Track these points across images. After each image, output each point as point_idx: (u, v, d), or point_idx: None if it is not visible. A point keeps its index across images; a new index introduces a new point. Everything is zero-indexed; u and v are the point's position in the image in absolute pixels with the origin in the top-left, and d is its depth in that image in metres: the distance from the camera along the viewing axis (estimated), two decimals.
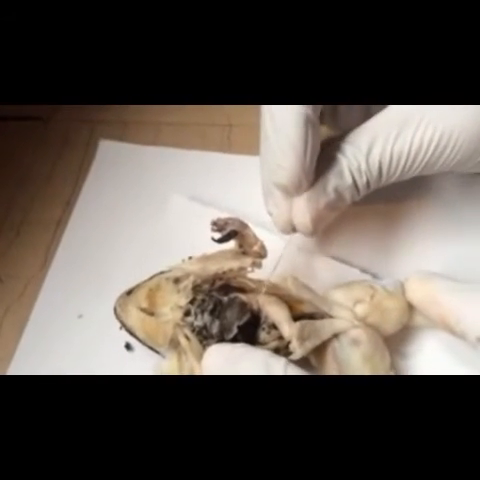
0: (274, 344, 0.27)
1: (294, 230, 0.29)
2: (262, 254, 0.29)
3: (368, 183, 0.28)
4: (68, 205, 0.41)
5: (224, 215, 0.29)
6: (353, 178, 0.28)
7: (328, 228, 0.33)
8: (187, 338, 0.27)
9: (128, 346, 0.33)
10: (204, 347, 0.26)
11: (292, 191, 0.27)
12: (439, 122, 0.26)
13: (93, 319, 0.34)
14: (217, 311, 0.26)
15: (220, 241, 0.27)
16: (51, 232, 0.39)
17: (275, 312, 0.27)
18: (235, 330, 0.26)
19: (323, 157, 0.28)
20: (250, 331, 0.26)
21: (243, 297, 0.27)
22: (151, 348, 0.29)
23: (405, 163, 0.27)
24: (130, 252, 0.36)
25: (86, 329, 0.34)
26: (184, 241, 0.35)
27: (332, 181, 0.27)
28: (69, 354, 0.33)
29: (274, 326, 0.27)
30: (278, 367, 0.22)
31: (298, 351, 0.26)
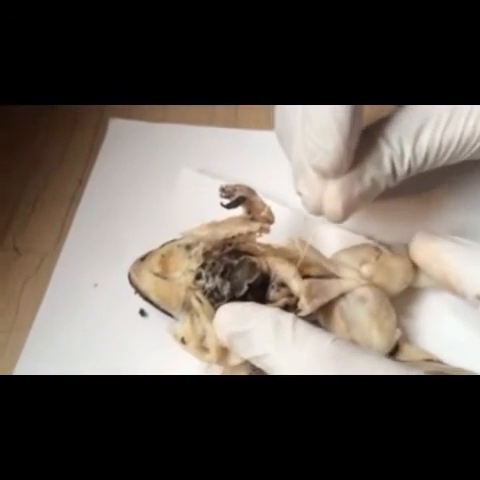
0: (283, 301, 0.28)
1: (321, 213, 0.28)
2: (270, 219, 0.30)
3: (409, 171, 0.26)
4: (81, 183, 0.42)
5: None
6: (393, 167, 0.26)
7: None
8: (199, 301, 0.28)
9: (142, 312, 0.34)
10: (215, 309, 0.27)
11: (331, 175, 0.25)
12: None
13: (108, 287, 0.35)
14: (227, 273, 0.27)
15: (228, 207, 0.29)
16: (65, 208, 0.41)
17: (284, 270, 0.28)
18: (245, 287, 0.27)
19: (363, 141, 0.25)
20: (260, 289, 0.28)
21: (253, 258, 0.28)
22: (164, 311, 0.30)
23: (455, 150, 0.25)
24: (141, 224, 0.38)
25: (102, 297, 0.35)
26: (194, 212, 0.35)
27: (370, 170, 0.25)
28: (86, 322, 0.34)
29: (283, 284, 0.28)
30: (287, 323, 0.23)
31: (306, 308, 0.27)
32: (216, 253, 0.29)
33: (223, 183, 0.36)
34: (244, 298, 0.27)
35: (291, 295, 0.28)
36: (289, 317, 0.23)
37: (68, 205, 0.41)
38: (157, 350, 0.32)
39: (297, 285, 0.27)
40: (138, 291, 0.31)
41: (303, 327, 0.23)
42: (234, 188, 0.29)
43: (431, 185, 0.36)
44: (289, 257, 0.29)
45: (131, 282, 0.31)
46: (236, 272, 0.28)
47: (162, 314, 0.33)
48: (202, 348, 0.28)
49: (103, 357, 0.33)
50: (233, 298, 0.27)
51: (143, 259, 0.31)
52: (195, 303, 0.28)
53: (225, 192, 0.28)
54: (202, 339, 0.28)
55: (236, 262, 0.28)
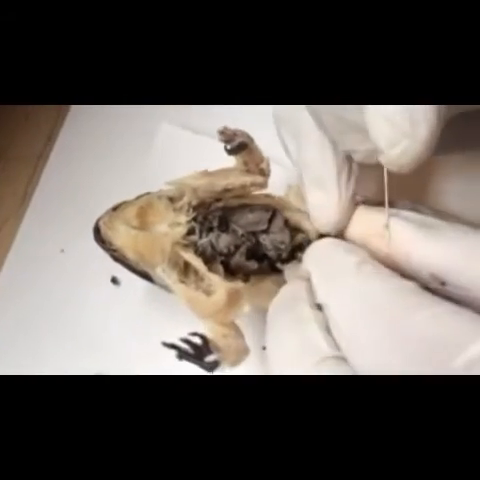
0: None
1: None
2: (267, 172, 0.26)
3: None
4: (49, 140, 0.38)
5: (218, 143, 0.26)
6: None
7: None
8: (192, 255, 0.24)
9: (114, 280, 0.30)
10: (209, 269, 0.23)
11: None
12: None
13: (76, 254, 0.32)
14: (224, 224, 0.24)
15: (231, 152, 0.25)
16: (31, 167, 0.37)
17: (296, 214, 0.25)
18: (265, 224, 0.24)
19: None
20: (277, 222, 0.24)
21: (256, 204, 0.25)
22: (140, 274, 0.26)
23: None
24: (115, 185, 0.34)
25: (69, 264, 0.32)
26: (174, 171, 0.32)
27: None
28: (52, 291, 0.31)
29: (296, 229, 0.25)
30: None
31: None
32: (203, 210, 0.25)
33: (207, 139, 0.32)
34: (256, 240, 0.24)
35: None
36: (354, 258, 0.20)
37: (34, 164, 0.37)
38: (130, 320, 0.29)
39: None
40: (109, 249, 0.25)
41: (367, 271, 0.19)
42: (234, 132, 0.25)
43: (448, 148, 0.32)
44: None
45: (100, 238, 0.25)
46: (238, 218, 0.24)
47: (136, 282, 0.29)
48: (206, 291, 0.23)
49: (71, 330, 0.30)
50: (229, 256, 0.24)
51: (115, 210, 0.26)
52: (188, 256, 0.24)
53: (225, 135, 0.24)
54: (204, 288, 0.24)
55: (237, 209, 0.25)
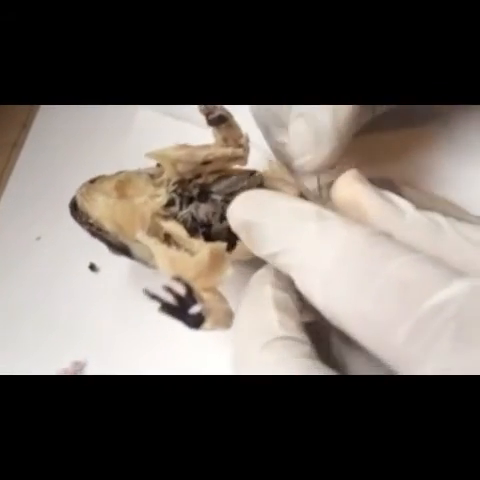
0: None
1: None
2: (246, 148, 0.26)
3: None
4: (25, 127, 0.37)
5: (198, 129, 0.26)
6: None
7: None
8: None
9: (92, 267, 0.30)
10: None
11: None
12: None
13: (52, 241, 0.31)
14: (203, 194, 0.23)
15: (212, 123, 0.24)
16: (6, 155, 0.36)
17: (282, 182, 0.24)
18: (244, 182, 0.23)
19: None
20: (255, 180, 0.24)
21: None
22: (120, 248, 0.25)
23: None
24: (92, 172, 0.33)
25: (46, 251, 0.31)
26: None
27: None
28: (28, 279, 0.30)
29: None
30: (310, 212, 0.18)
31: None
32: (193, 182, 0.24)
33: (187, 125, 0.32)
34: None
35: None
36: (313, 207, 0.18)
37: (9, 152, 0.36)
38: (110, 307, 0.28)
39: None
40: (87, 222, 0.24)
41: (331, 218, 0.18)
42: (214, 106, 0.25)
43: (424, 121, 0.31)
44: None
45: (77, 209, 0.24)
46: (216, 186, 0.24)
47: (114, 269, 0.29)
48: (189, 251, 0.22)
49: (49, 317, 0.29)
50: (209, 226, 0.23)
51: (93, 182, 0.25)
52: (168, 225, 0.23)
53: (205, 109, 0.24)
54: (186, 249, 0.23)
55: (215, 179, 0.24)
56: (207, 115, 0.23)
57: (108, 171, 0.30)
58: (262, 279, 0.20)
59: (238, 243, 0.23)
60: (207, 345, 0.25)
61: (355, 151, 0.29)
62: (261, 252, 0.19)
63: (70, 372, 0.27)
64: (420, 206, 0.25)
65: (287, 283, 0.19)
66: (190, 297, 0.20)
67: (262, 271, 0.20)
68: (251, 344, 0.17)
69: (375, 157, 0.29)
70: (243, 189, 0.23)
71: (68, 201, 0.29)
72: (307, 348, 0.17)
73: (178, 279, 0.20)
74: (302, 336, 0.17)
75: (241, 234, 0.19)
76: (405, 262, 0.15)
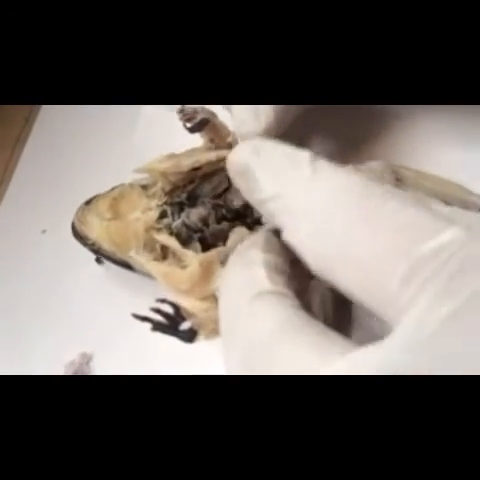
0: None
1: None
2: (235, 146, 0.26)
3: None
4: (27, 121, 0.37)
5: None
6: None
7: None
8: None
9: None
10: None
11: None
12: None
13: (58, 234, 0.31)
14: (192, 199, 0.24)
15: (192, 130, 0.24)
16: (10, 149, 0.36)
17: None
18: (226, 183, 0.23)
19: None
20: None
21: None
22: (121, 264, 0.26)
23: None
24: (97, 166, 0.34)
25: (51, 245, 0.31)
26: (155, 153, 0.32)
27: None
28: (33, 273, 0.31)
29: None
30: (304, 157, 0.17)
31: None
32: (178, 192, 0.25)
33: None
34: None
35: None
36: (307, 152, 0.17)
37: (12, 146, 0.36)
38: (116, 299, 0.28)
39: None
40: (86, 244, 0.26)
41: (324, 163, 0.17)
42: (195, 110, 0.25)
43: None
44: None
45: (76, 233, 0.26)
46: (202, 188, 0.24)
47: None
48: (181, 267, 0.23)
49: (55, 311, 0.29)
50: (202, 231, 0.23)
51: (88, 203, 0.27)
52: (161, 237, 0.24)
53: (185, 114, 0.24)
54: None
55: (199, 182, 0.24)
56: (186, 122, 0.23)
57: (113, 165, 0.30)
58: (251, 243, 0.19)
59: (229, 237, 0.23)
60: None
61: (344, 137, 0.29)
62: (252, 197, 0.18)
63: (77, 364, 0.27)
64: (419, 188, 0.25)
65: (278, 249, 0.19)
66: (178, 315, 0.21)
67: (251, 238, 0.20)
68: (240, 297, 0.17)
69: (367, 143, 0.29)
70: (228, 188, 0.24)
71: (73, 195, 0.29)
72: (296, 303, 0.16)
73: (163, 300, 0.21)
74: (291, 293, 0.17)
75: (236, 179, 0.19)
76: (400, 206, 0.15)
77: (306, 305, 0.18)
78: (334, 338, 0.14)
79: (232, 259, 0.19)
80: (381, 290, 0.14)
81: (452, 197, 0.24)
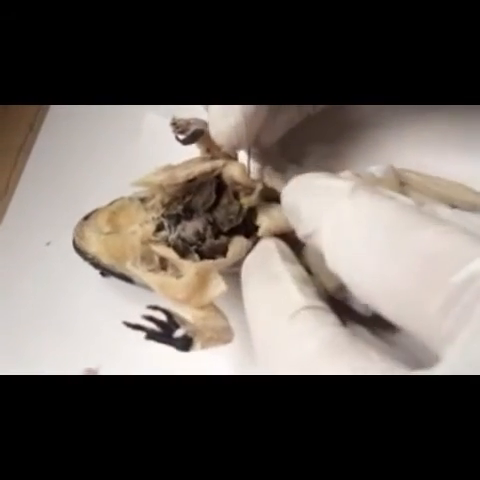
0: None
1: None
2: (232, 156, 0.26)
3: None
4: (32, 129, 0.37)
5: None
6: None
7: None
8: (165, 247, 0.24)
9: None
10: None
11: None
12: None
13: (62, 246, 0.31)
14: (188, 212, 0.23)
15: (185, 142, 0.24)
16: (12, 159, 0.36)
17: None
18: (213, 197, 0.23)
19: None
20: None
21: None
22: (122, 277, 0.26)
23: None
24: (102, 176, 0.33)
25: (55, 257, 0.31)
26: (162, 162, 0.31)
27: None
28: (38, 286, 0.30)
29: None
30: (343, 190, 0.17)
31: None
32: (175, 204, 0.25)
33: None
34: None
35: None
36: (348, 184, 0.17)
37: (15, 155, 0.36)
38: (122, 313, 0.28)
39: None
40: (87, 258, 0.26)
41: (361, 194, 0.17)
42: (188, 122, 0.24)
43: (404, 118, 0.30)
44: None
45: (77, 249, 0.26)
46: (197, 196, 0.23)
47: None
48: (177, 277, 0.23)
49: (60, 325, 0.29)
50: (199, 245, 0.23)
51: (87, 218, 0.27)
52: (158, 249, 0.24)
53: (178, 126, 0.24)
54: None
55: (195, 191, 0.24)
56: (179, 134, 0.23)
57: (118, 174, 0.30)
58: (267, 253, 0.20)
59: (229, 249, 0.23)
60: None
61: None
62: (299, 233, 0.19)
63: None
64: (424, 192, 0.25)
65: (293, 257, 0.19)
66: (171, 322, 0.21)
67: (262, 245, 0.21)
68: (276, 318, 0.17)
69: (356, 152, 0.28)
70: (216, 205, 0.23)
71: (78, 206, 0.29)
72: (332, 316, 0.16)
73: (155, 307, 0.21)
74: (324, 305, 0.17)
75: (288, 217, 0.20)
76: (434, 233, 0.15)
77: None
78: (376, 360, 0.14)
79: (253, 275, 0.19)
80: (420, 320, 0.14)
81: (457, 199, 0.24)
